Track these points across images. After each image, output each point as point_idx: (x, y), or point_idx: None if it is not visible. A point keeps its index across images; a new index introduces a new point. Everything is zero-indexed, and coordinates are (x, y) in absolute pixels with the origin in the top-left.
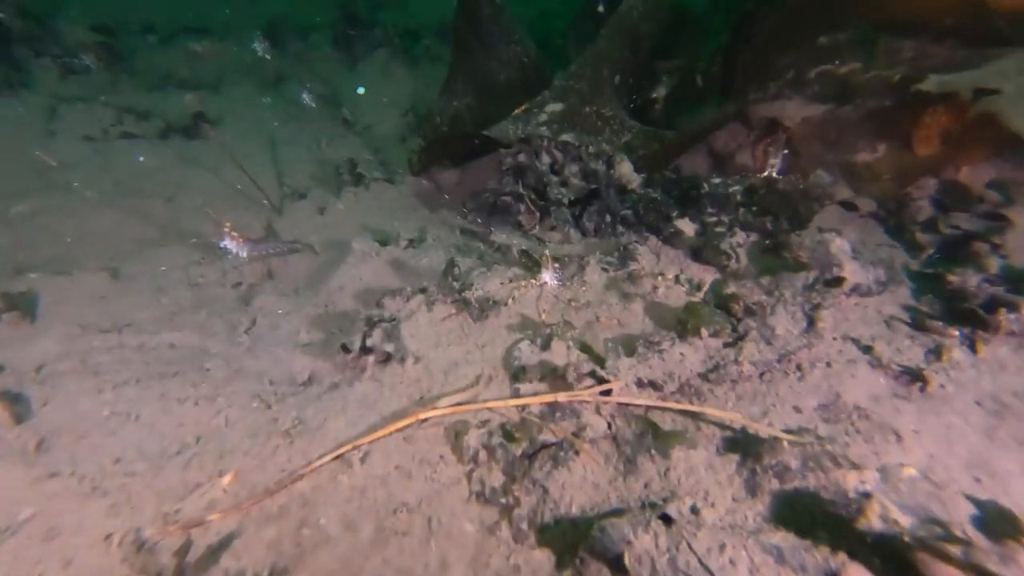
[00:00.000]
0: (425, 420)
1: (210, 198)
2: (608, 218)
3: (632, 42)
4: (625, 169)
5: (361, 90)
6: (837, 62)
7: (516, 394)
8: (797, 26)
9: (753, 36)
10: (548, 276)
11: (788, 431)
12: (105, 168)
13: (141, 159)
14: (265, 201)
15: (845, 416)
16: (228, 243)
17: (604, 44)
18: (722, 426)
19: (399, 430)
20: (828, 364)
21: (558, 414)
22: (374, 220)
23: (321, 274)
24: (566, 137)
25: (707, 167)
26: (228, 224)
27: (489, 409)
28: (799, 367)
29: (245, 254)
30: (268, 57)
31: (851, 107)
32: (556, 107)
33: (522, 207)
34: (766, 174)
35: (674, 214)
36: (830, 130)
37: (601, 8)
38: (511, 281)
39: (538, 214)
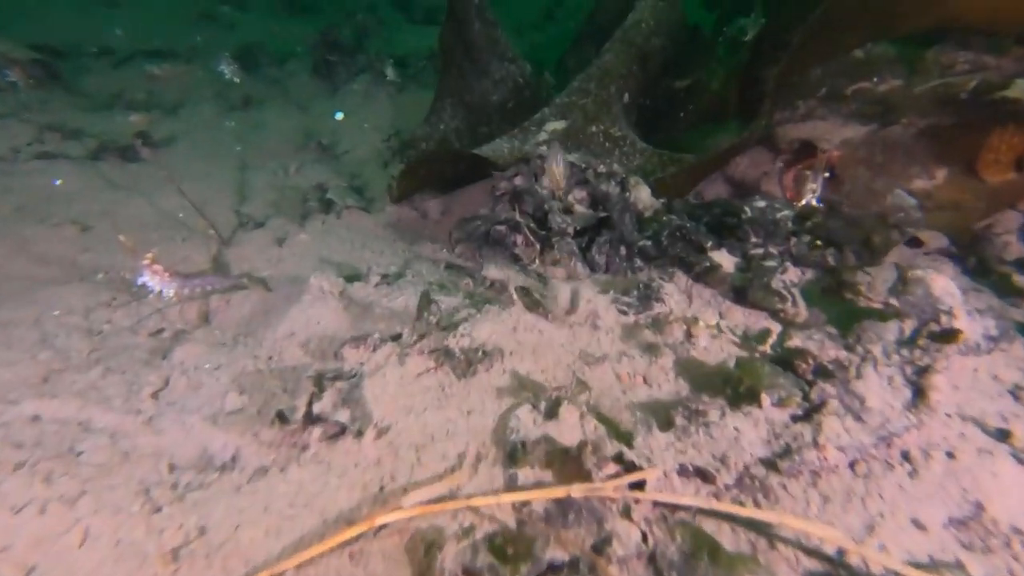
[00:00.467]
0: (383, 526)
1: (140, 227)
2: (622, 250)
3: (641, 58)
4: (643, 193)
5: (340, 115)
6: (877, 78)
7: (512, 485)
8: (831, 37)
9: (778, 49)
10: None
11: (915, 564)
12: (7, 191)
13: (58, 182)
14: (211, 231)
15: (1000, 542)
16: (148, 279)
17: (611, 59)
18: (807, 548)
19: (344, 543)
20: (950, 454)
21: (571, 516)
22: (342, 253)
23: (269, 317)
24: (570, 158)
25: (725, 197)
26: (149, 255)
27: (474, 509)
28: (908, 456)
29: (172, 292)
30: (237, 80)
31: (900, 126)
32: (558, 125)
33: (519, 237)
34: (802, 204)
35: (708, 244)
36: (876, 153)
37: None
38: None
39: (538, 245)
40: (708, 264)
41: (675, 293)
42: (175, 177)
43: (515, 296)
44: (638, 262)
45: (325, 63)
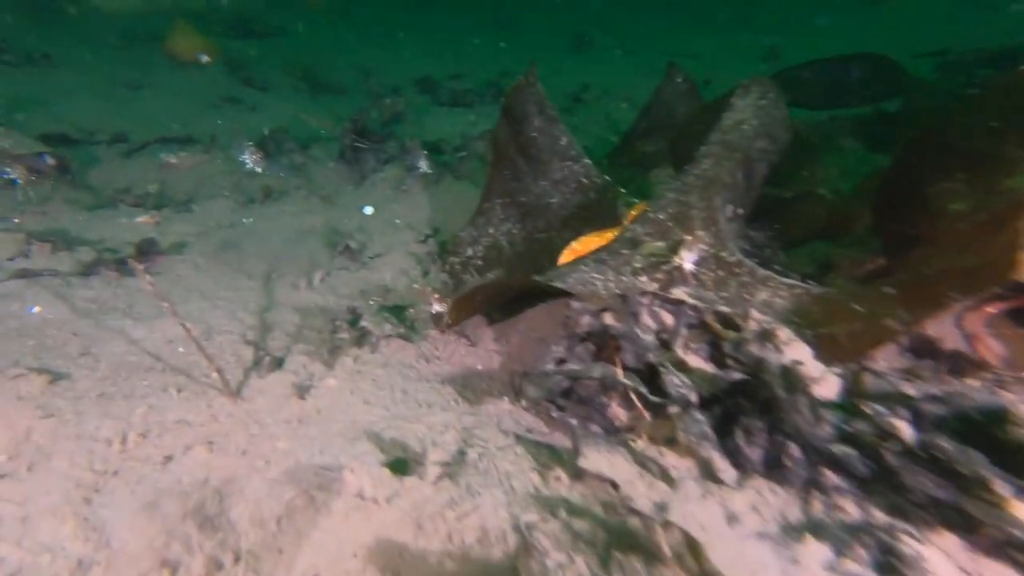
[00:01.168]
0: None
1: (126, 373)
2: (792, 448)
3: (745, 164)
4: (802, 355)
5: (369, 210)
6: None
7: None
8: None
9: (957, 148)
10: None
11: None
12: None
13: (35, 310)
14: (214, 374)
15: None
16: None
17: (711, 166)
18: None
19: None
20: None
21: None
22: (382, 409)
23: (281, 539)
24: (677, 292)
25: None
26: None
27: None
28: None
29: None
30: (259, 170)
31: None
32: (656, 247)
33: (616, 399)
34: None
35: (1000, 489)
36: None
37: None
38: None
39: (647, 414)
40: (1005, 525)
41: (943, 565)
42: (175, 300)
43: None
44: (825, 472)
45: (353, 149)
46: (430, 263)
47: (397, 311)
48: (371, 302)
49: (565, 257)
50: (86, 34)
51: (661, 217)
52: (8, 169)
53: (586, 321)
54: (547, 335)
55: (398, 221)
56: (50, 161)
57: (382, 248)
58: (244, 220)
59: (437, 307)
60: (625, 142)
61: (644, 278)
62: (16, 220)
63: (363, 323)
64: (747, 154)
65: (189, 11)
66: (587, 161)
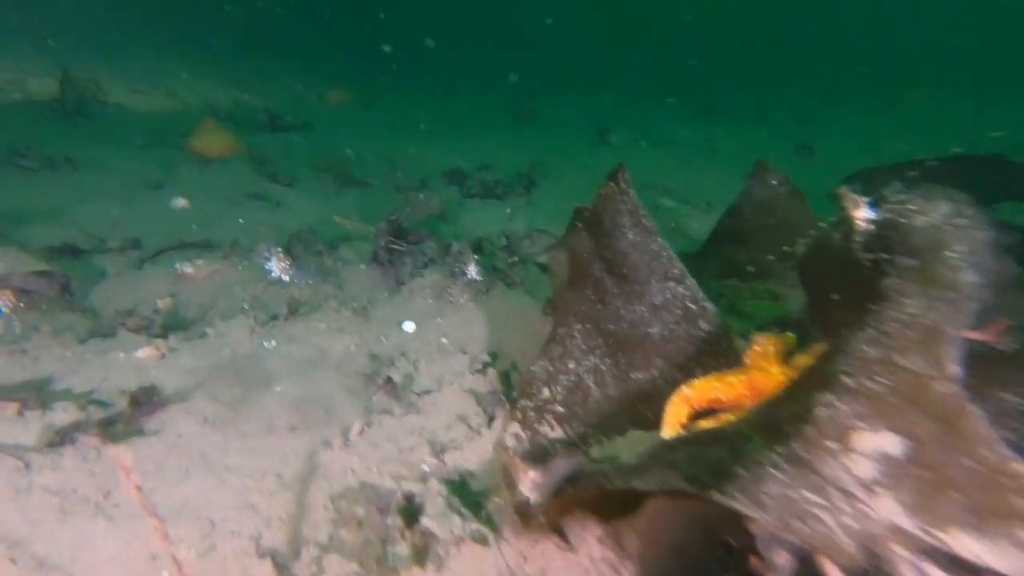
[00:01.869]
0: None
1: None
2: None
3: (959, 305)
4: None
5: (410, 326)
6: None
7: None
8: None
9: None
10: None
11: None
12: None
13: None
14: None
15: None
16: None
17: (919, 307)
18: None
19: None
20: None
21: None
22: None
23: None
24: (935, 539)
25: None
26: None
27: None
28: None
29: None
30: (285, 278)
31: None
32: (885, 443)
33: None
34: None
35: None
36: None
37: None
38: None
39: None
40: None
41: None
42: (173, 475)
43: None
44: None
45: (387, 251)
46: (494, 404)
47: (459, 487)
48: (431, 473)
49: (675, 407)
50: (111, 135)
51: (876, 389)
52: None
53: (783, 561)
54: (685, 544)
55: (445, 341)
56: (46, 281)
57: (431, 381)
58: (266, 344)
59: (525, 487)
60: (708, 248)
61: (887, 499)
62: None
63: (424, 519)
64: (959, 292)
65: (216, 108)
66: (692, 282)
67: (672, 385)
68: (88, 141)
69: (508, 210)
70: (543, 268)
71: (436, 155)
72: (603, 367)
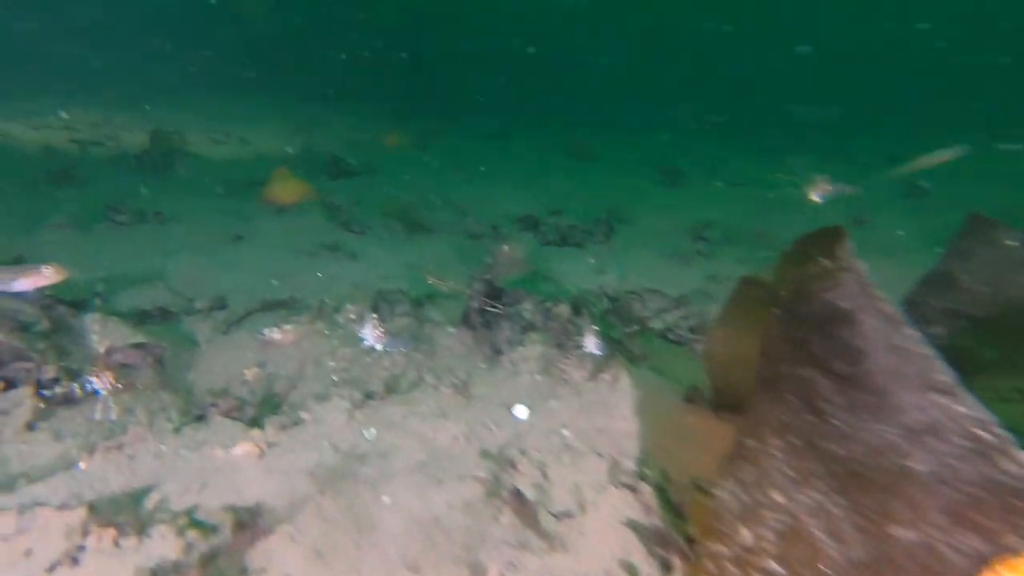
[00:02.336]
0: None
1: None
2: None
3: None
4: None
5: (522, 412)
6: None
7: None
8: None
9: None
10: None
11: None
12: None
13: None
14: None
15: None
16: None
17: None
18: None
19: None
20: None
21: None
22: None
23: None
24: None
25: None
26: None
27: None
28: None
29: None
30: (378, 347)
31: None
32: None
33: None
34: None
35: None
36: None
37: None
38: None
39: None
40: None
41: None
42: None
43: None
44: None
45: (480, 312)
46: (665, 545)
47: None
48: None
49: None
50: (194, 186)
51: None
52: (92, 377)
53: None
54: None
55: (568, 434)
56: (142, 354)
57: (568, 495)
58: (366, 435)
59: None
60: (931, 284)
61: None
62: (82, 466)
63: None
64: None
65: (285, 155)
66: (972, 398)
67: (971, 560)
68: (174, 193)
69: (592, 260)
70: (665, 338)
71: (500, 197)
72: (835, 510)
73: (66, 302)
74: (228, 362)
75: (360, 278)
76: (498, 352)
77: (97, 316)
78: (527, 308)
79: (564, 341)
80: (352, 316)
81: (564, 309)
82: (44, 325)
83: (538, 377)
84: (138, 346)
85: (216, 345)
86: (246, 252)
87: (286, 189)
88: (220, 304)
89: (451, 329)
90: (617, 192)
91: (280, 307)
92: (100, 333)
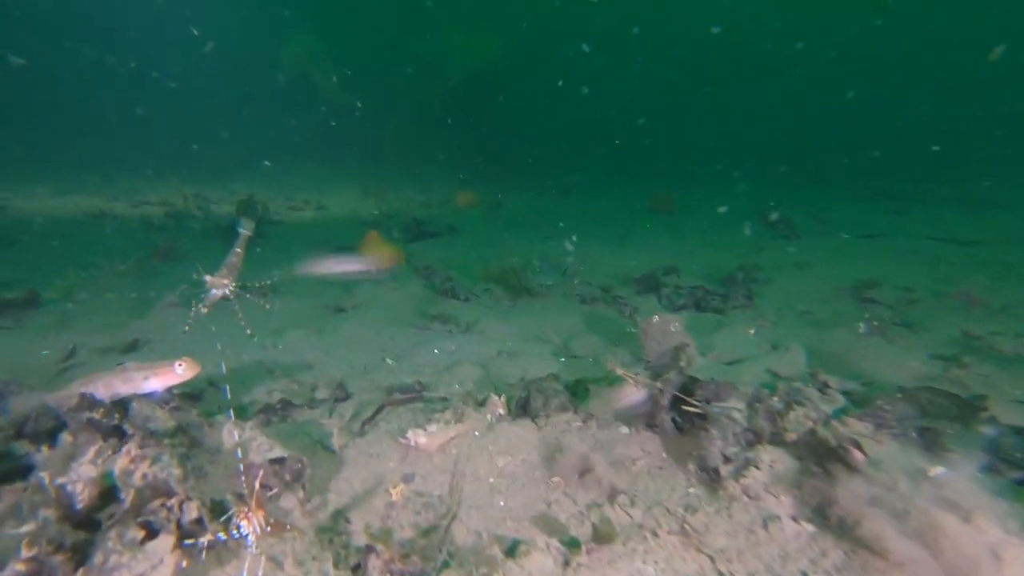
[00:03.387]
0: None
1: None
2: None
3: None
4: None
5: None
6: None
7: None
8: None
9: None
10: None
11: None
12: None
13: None
14: None
15: None
16: None
17: None
18: None
19: None
20: None
21: None
22: None
23: None
24: None
25: None
26: None
27: None
28: None
29: None
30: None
31: None
32: None
33: None
34: None
35: None
36: None
37: None
38: None
39: None
40: None
41: None
42: None
43: None
44: None
45: (673, 413)
46: None
47: None
48: None
49: None
50: (286, 253)
51: None
52: (242, 521)
53: None
54: None
55: None
56: (281, 470)
57: None
58: None
59: None
60: None
61: None
62: None
63: None
64: None
65: (366, 220)
66: None
67: None
68: (270, 263)
69: (751, 331)
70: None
71: (597, 256)
72: None
73: (191, 398)
74: (369, 476)
75: (482, 355)
76: (714, 471)
77: (230, 424)
78: (736, 407)
79: (827, 466)
80: (500, 411)
81: (801, 412)
82: (181, 440)
83: (808, 527)
84: (277, 462)
85: (353, 452)
86: (352, 326)
87: (379, 254)
88: (342, 394)
89: (624, 429)
90: (726, 249)
91: (409, 398)
92: (240, 446)
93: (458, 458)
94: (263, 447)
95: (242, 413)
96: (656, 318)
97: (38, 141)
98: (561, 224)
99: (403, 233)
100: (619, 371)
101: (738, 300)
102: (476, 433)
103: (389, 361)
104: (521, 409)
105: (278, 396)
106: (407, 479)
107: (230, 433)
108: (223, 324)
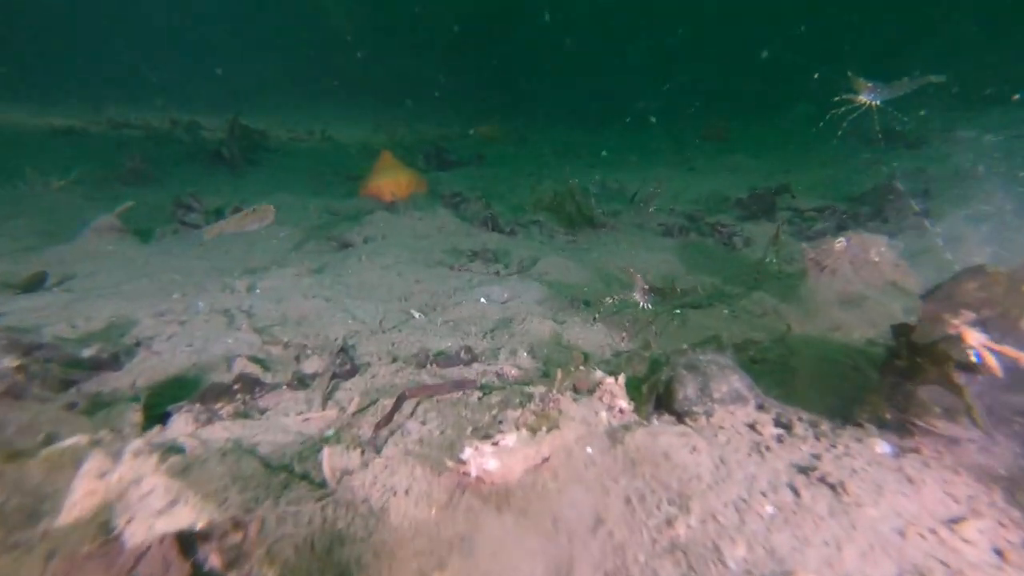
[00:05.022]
0: None
1: None
2: None
3: None
4: None
5: None
6: None
7: None
8: None
9: None
10: None
11: None
12: None
13: None
14: None
15: None
16: None
17: None
18: None
19: None
20: None
21: None
22: None
23: None
24: None
25: None
26: None
27: None
28: None
29: None
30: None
31: None
32: None
33: None
34: None
35: None
36: None
37: None
38: None
39: None
40: None
41: None
42: None
43: None
44: None
45: None
46: None
47: None
48: None
49: None
50: (280, 181)
51: None
52: None
53: None
54: None
55: None
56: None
57: None
58: None
59: None
60: None
61: None
62: None
63: None
64: None
65: (374, 148)
66: None
67: None
68: (255, 187)
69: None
70: None
71: (663, 180)
72: None
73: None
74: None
75: (551, 306)
76: None
77: (97, 453)
78: None
79: None
80: (622, 403)
81: None
82: None
83: None
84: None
85: (360, 488)
86: (361, 265)
87: (393, 179)
88: (345, 365)
89: (884, 448)
90: (832, 166)
91: (457, 384)
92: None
93: (562, 506)
94: (154, 504)
95: (166, 400)
96: (842, 240)
97: (27, 61)
98: (604, 153)
99: (424, 162)
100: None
101: (905, 217)
102: (588, 450)
103: (416, 314)
104: (657, 400)
105: (240, 368)
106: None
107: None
108: (180, 257)
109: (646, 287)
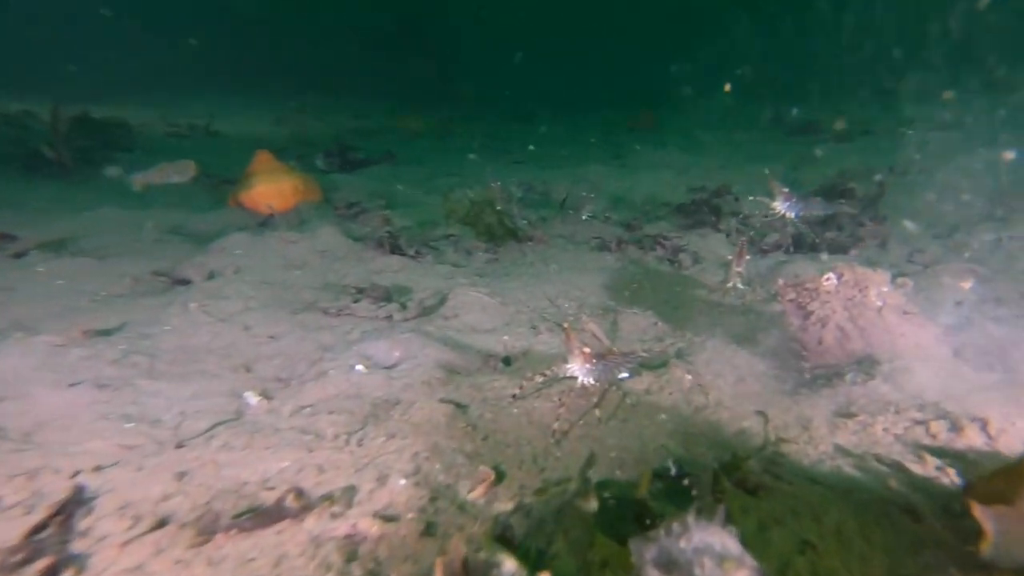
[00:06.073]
0: None
1: None
2: None
3: None
4: None
5: None
6: None
7: None
8: None
9: None
10: None
11: None
12: None
13: None
14: None
15: None
16: None
17: None
18: None
19: None
20: None
21: None
22: None
23: None
24: None
25: None
26: None
27: None
28: None
29: None
30: None
31: None
32: None
33: None
34: None
35: None
36: None
37: None
38: None
39: None
40: None
41: None
42: None
43: None
44: None
45: None
46: None
47: None
48: None
49: None
50: (128, 189)
51: None
52: None
53: None
54: None
55: None
56: None
57: None
58: None
59: None
60: None
61: None
62: None
63: None
64: None
65: (267, 142)
66: None
67: None
68: (83, 200)
69: (967, 284)
70: None
71: (596, 179)
72: None
73: None
74: None
75: (456, 366)
76: None
77: None
78: None
79: None
80: None
81: None
82: None
83: None
84: None
85: None
86: (188, 319)
87: (274, 186)
88: (51, 544)
89: None
90: (768, 161)
91: (263, 530)
92: None
93: None
94: None
95: None
96: (830, 276)
97: None
98: (532, 147)
99: (324, 161)
100: None
101: (864, 228)
102: None
103: (252, 399)
104: None
105: None
106: None
107: None
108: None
109: (587, 351)
